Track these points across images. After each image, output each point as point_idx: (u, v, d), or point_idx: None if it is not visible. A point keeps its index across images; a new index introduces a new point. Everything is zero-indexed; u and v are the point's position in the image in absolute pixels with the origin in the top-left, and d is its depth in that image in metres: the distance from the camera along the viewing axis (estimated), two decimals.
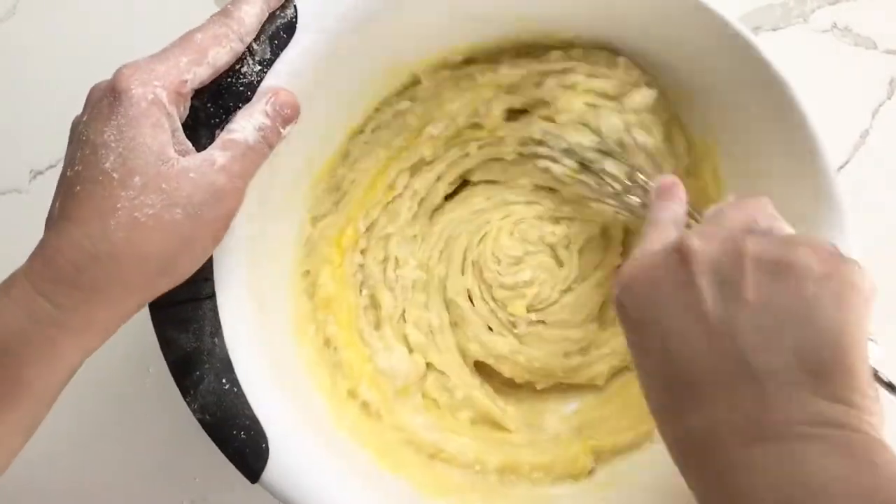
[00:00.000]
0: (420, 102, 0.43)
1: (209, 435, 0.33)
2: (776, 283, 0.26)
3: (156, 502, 0.47)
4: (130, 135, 0.29)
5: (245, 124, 0.32)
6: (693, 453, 0.27)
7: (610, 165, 0.41)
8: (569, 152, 0.42)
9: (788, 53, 0.49)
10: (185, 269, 0.32)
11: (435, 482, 0.41)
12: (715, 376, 0.26)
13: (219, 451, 0.34)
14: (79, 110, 0.32)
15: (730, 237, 0.28)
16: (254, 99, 0.33)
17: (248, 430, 0.33)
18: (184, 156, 0.30)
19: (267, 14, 0.34)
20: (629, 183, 0.41)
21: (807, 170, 0.36)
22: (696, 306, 0.27)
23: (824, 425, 0.24)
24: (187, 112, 0.32)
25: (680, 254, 0.28)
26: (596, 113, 0.41)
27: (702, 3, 0.36)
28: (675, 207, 0.34)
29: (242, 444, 0.33)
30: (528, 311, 0.44)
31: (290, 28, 0.34)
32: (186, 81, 0.31)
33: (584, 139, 0.41)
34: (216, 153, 0.31)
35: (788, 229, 0.30)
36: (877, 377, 0.27)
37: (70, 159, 0.30)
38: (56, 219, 0.30)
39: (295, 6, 0.34)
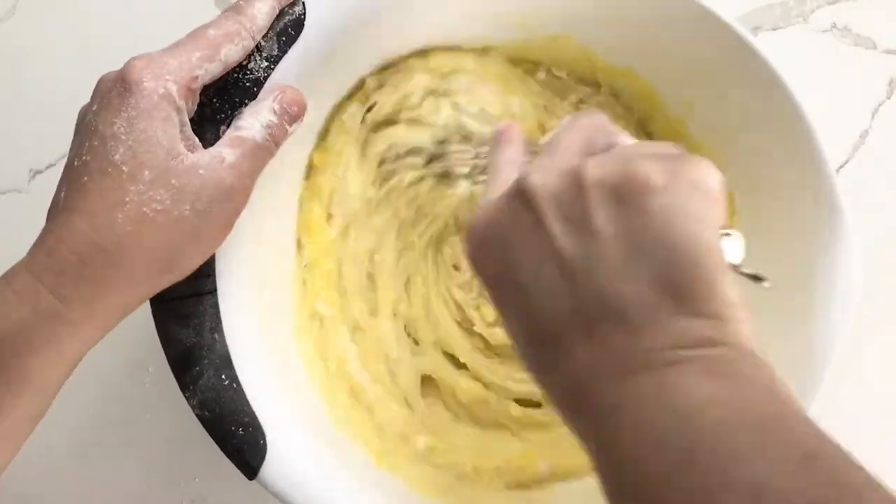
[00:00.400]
0: None
1: (207, 431, 0.33)
2: (622, 207, 0.25)
3: (156, 502, 0.47)
4: (141, 127, 0.29)
5: (253, 122, 0.32)
6: (569, 404, 0.26)
7: (455, 149, 0.42)
8: (413, 152, 0.42)
9: (788, 53, 0.49)
10: (190, 265, 0.32)
11: (432, 482, 0.41)
12: (577, 318, 0.25)
13: (219, 451, 0.34)
14: (78, 110, 0.32)
15: (568, 167, 0.26)
16: (261, 96, 0.33)
17: (246, 427, 0.33)
18: (192, 152, 0.30)
19: (277, 11, 0.34)
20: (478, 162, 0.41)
21: (807, 170, 0.36)
22: (547, 248, 0.26)
23: (692, 346, 0.23)
24: (195, 107, 0.32)
25: (521, 196, 0.27)
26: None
27: (700, 3, 0.36)
28: (510, 149, 0.32)
29: (241, 440, 0.33)
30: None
31: (298, 25, 0.34)
32: (197, 77, 0.31)
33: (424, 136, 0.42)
34: (225, 150, 0.31)
35: (627, 140, 0.29)
36: (739, 272, 0.26)
37: (77, 149, 0.30)
38: (60, 209, 0.29)
39: (303, 3, 0.34)
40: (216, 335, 0.34)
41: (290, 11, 0.34)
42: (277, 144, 0.33)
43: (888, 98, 0.50)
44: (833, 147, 0.37)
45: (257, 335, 0.36)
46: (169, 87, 0.30)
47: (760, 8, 0.50)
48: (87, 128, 0.30)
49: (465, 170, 0.42)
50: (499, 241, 0.27)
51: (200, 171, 0.30)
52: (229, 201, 0.31)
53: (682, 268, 0.24)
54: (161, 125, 0.29)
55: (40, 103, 0.49)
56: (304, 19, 0.34)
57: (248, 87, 0.34)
